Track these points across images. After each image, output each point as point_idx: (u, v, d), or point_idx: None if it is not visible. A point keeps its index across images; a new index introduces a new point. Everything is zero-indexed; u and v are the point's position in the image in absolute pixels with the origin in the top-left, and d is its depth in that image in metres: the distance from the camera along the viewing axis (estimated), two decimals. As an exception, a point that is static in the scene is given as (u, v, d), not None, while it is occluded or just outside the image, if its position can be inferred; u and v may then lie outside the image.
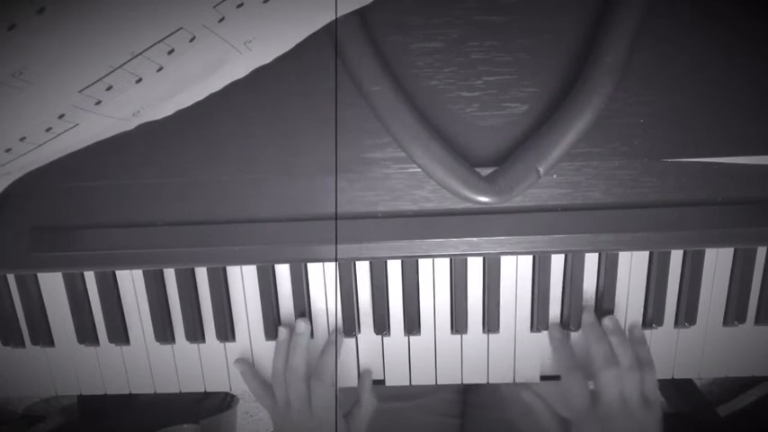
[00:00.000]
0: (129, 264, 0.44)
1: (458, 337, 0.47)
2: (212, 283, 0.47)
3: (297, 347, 0.45)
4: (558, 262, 0.45)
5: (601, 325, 0.45)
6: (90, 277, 0.47)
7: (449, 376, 0.48)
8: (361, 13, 0.36)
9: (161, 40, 0.28)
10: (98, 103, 0.31)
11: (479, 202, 0.38)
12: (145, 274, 0.47)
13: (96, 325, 0.48)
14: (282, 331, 0.46)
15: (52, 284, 0.48)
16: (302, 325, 0.46)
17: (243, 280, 0.47)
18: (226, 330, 0.47)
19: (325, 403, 0.45)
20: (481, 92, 0.40)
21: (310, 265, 0.46)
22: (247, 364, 0.48)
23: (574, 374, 0.44)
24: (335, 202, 0.41)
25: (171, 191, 0.42)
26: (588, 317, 0.45)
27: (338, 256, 0.43)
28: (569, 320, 0.46)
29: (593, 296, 0.46)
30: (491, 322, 0.46)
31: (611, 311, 0.46)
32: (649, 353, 0.45)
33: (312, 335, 0.47)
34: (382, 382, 0.49)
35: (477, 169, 0.38)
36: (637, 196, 0.41)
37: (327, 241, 0.42)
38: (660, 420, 0.43)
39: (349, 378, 0.49)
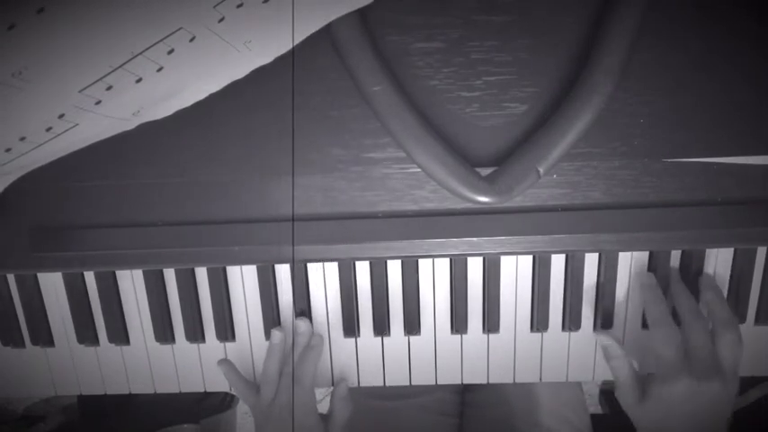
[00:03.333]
0: (129, 264, 0.44)
1: (458, 337, 0.47)
2: (212, 283, 0.47)
3: (299, 347, 0.45)
4: (558, 262, 0.45)
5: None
6: (90, 277, 0.47)
7: (449, 376, 0.48)
8: (361, 13, 0.36)
9: (161, 40, 0.28)
10: (98, 102, 0.31)
11: (479, 202, 0.38)
12: (145, 274, 0.47)
13: (96, 325, 0.48)
14: (277, 334, 0.45)
15: (52, 284, 0.48)
16: (302, 325, 0.46)
17: (243, 280, 0.47)
18: (226, 330, 0.47)
19: (304, 406, 0.45)
20: (481, 92, 0.40)
21: (310, 265, 0.46)
22: (230, 364, 0.48)
23: (668, 324, 0.42)
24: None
25: (171, 191, 0.42)
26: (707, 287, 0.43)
27: (339, 256, 0.43)
28: (569, 321, 0.46)
29: (594, 296, 0.46)
30: (491, 322, 0.46)
31: (611, 312, 0.46)
32: (739, 329, 0.42)
33: (312, 334, 0.47)
34: (382, 382, 0.49)
35: (477, 169, 0.38)
36: (637, 196, 0.41)
37: (328, 241, 0.42)
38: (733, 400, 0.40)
39: (339, 379, 0.49)
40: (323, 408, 0.48)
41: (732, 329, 0.41)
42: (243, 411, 1.11)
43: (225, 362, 0.48)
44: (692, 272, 0.45)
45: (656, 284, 0.44)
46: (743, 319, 0.46)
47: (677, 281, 0.44)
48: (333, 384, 0.49)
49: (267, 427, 0.45)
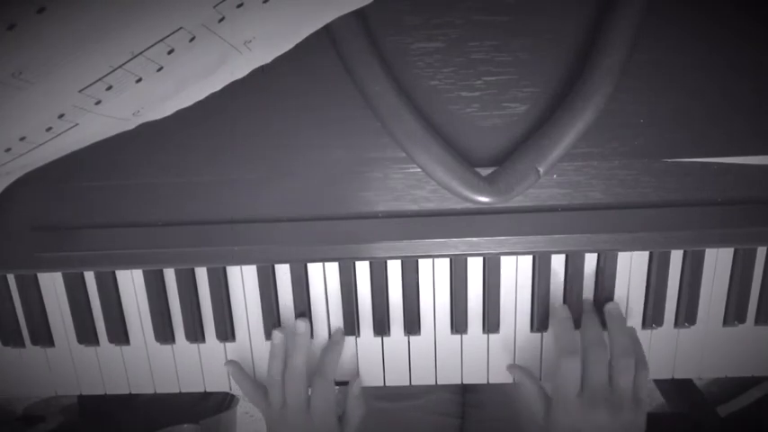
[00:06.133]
0: (129, 264, 0.44)
1: (458, 337, 0.47)
2: (212, 283, 0.47)
3: (298, 348, 0.45)
4: (558, 262, 0.45)
5: (596, 316, 0.45)
6: (90, 277, 0.47)
7: (449, 376, 0.48)
8: (361, 13, 0.36)
9: (161, 40, 0.28)
10: (98, 102, 0.31)
11: (479, 202, 0.38)
12: (145, 274, 0.47)
13: (96, 325, 0.48)
14: (277, 335, 0.46)
15: (52, 284, 0.48)
16: (302, 326, 0.46)
17: (243, 280, 0.47)
18: (226, 330, 0.47)
19: (325, 401, 0.45)
20: (481, 92, 0.40)
21: (310, 265, 0.46)
22: (238, 366, 0.48)
23: (571, 358, 0.43)
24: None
25: (171, 191, 0.42)
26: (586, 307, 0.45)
27: (340, 256, 0.43)
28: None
29: (593, 296, 0.46)
30: (491, 322, 0.46)
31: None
32: (643, 352, 0.44)
33: (312, 335, 0.47)
34: (382, 382, 0.49)
35: (477, 169, 0.38)
36: (637, 196, 0.41)
37: (328, 241, 0.42)
38: (644, 423, 0.42)
39: (350, 376, 0.49)
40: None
41: (629, 359, 0.42)
42: (243, 411, 1.11)
43: (232, 363, 0.48)
44: (692, 271, 0.45)
45: (568, 317, 0.45)
46: (743, 319, 0.46)
47: (588, 311, 0.45)
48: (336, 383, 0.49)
49: (279, 429, 0.45)
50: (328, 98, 0.40)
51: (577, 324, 0.46)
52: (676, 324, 0.46)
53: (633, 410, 0.41)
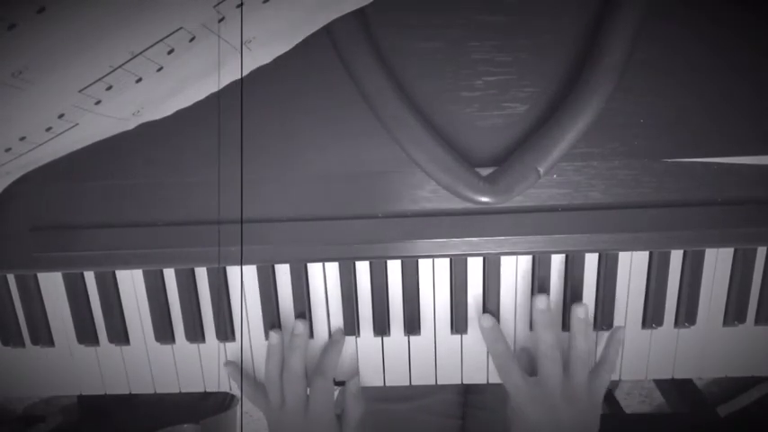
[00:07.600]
0: (129, 264, 0.44)
1: (458, 337, 0.47)
2: (212, 283, 0.47)
3: (295, 349, 0.45)
4: (558, 262, 0.45)
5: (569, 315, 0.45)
6: (90, 277, 0.47)
7: (449, 376, 0.48)
8: (361, 12, 0.36)
9: (161, 40, 0.28)
10: (98, 102, 0.31)
11: (479, 202, 0.38)
12: (145, 274, 0.47)
13: (96, 325, 0.48)
14: (274, 336, 0.46)
15: (52, 284, 0.47)
16: (300, 326, 0.46)
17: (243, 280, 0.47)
18: (226, 330, 0.47)
19: (325, 400, 0.45)
20: (481, 92, 0.40)
21: (310, 265, 0.46)
22: (237, 367, 0.48)
23: (509, 365, 0.44)
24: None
25: (171, 191, 0.42)
26: (542, 302, 0.44)
27: (340, 256, 0.43)
28: (569, 320, 0.46)
29: (594, 296, 0.46)
30: (491, 322, 0.46)
31: (611, 312, 0.46)
32: (616, 355, 0.45)
33: (312, 335, 0.47)
34: (382, 382, 0.49)
35: (477, 169, 0.38)
36: (637, 196, 0.41)
37: (328, 242, 0.42)
38: (597, 424, 0.44)
39: (350, 376, 0.49)
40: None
41: (585, 360, 0.43)
42: (243, 411, 1.11)
43: (231, 364, 0.48)
44: (692, 271, 0.45)
45: (495, 326, 0.45)
46: (743, 319, 0.46)
47: (542, 312, 0.44)
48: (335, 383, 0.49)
49: (279, 428, 0.45)
50: (328, 98, 0.40)
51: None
52: (676, 324, 0.46)
53: (587, 410, 0.43)
